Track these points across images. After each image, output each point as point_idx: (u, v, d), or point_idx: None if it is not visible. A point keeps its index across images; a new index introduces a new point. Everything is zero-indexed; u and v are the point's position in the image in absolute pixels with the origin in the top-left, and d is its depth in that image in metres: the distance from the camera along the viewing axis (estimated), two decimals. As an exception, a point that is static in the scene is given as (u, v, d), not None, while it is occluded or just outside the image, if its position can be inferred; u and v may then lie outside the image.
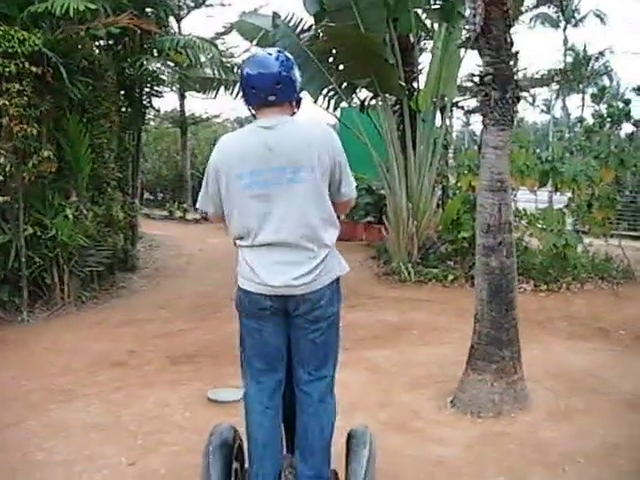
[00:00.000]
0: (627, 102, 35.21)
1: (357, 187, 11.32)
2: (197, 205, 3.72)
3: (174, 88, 17.10)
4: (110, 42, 10.58)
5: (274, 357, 3.62)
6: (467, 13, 5.54)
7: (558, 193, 12.00)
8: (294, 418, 3.69)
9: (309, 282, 3.42)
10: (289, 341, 3.61)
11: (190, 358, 6.93)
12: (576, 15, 40.49)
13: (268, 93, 3.36)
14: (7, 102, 7.95)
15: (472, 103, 19.16)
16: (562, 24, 39.45)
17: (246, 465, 3.72)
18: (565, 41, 38.90)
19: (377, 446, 3.88)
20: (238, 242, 3.62)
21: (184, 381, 6.18)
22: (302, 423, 3.64)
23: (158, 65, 11.66)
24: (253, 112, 3.49)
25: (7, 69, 7.87)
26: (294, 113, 3.55)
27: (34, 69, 8.09)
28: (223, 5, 22.48)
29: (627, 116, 33.59)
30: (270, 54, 3.44)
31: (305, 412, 3.64)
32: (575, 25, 40.49)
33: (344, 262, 3.71)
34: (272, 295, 3.45)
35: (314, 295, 3.45)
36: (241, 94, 3.52)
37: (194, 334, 7.88)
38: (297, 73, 3.45)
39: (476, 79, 5.38)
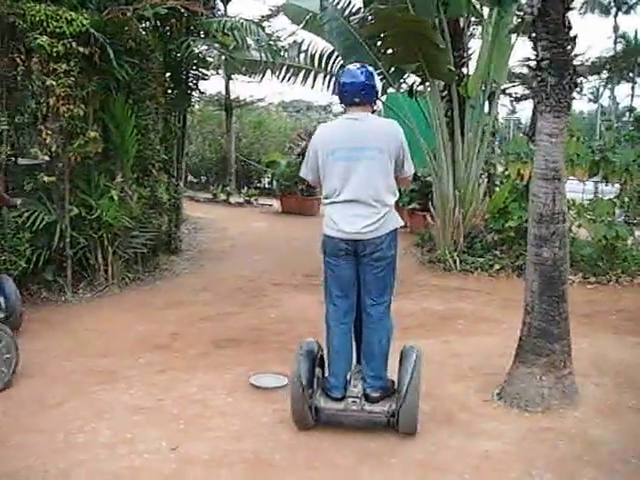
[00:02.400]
0: (679, 92, 34.57)
1: None
2: (300, 174, 5.23)
3: (220, 71, 17.02)
4: (157, 23, 10.53)
5: (347, 286, 4.88)
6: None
7: (605, 184, 11.77)
8: (362, 335, 4.97)
9: (372, 230, 4.71)
10: (358, 276, 4.85)
11: (233, 342, 6.90)
12: (628, 1, 39.75)
13: (355, 96, 4.78)
14: (54, 82, 7.96)
15: (520, 90, 18.91)
16: (613, 11, 38.81)
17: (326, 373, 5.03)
18: (616, 28, 38.28)
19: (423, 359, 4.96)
20: (325, 200, 4.89)
21: (227, 366, 6.16)
22: (366, 336, 4.92)
23: (204, 47, 11.59)
24: (344, 108, 4.95)
25: (55, 49, 7.87)
26: (374, 110, 4.98)
27: (81, 49, 8.09)
28: (269, -13, 22.39)
29: (677, 106, 32.95)
30: (358, 68, 4.85)
31: (368, 328, 4.90)
32: (626, 12, 39.78)
33: (400, 219, 5.00)
34: (346, 239, 4.75)
35: (376, 240, 4.74)
36: (338, 96, 4.96)
37: (237, 318, 7.86)
38: (377, 82, 4.89)
39: (532, 64, 5.24)
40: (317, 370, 4.92)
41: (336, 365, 4.90)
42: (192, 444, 4.63)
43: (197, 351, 6.62)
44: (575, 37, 5.17)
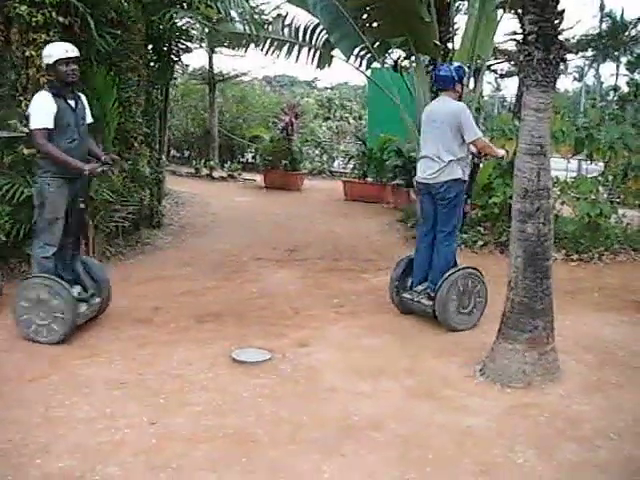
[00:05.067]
0: (663, 71, 34.63)
1: (385, 149, 11.57)
2: None
3: (203, 44, 16.85)
4: (140, -7, 10.39)
5: (427, 216, 6.85)
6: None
7: (589, 162, 11.74)
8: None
9: (434, 177, 6.59)
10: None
11: (215, 317, 6.86)
12: (614, -21, 39.65)
13: (438, 84, 6.85)
14: (34, 53, 7.81)
15: (505, 67, 18.83)
16: (599, -11, 38.70)
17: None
18: (602, 7, 38.16)
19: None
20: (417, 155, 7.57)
21: (208, 340, 6.12)
22: (433, 254, 6.77)
23: (187, 19, 11.45)
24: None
25: (34, 19, 7.71)
26: (458, 91, 6.72)
27: (61, 19, 7.92)
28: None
29: (664, 86, 32.99)
30: (441, 64, 7.44)
31: (435, 248, 6.75)
32: (613, -10, 39.68)
33: (460, 173, 6.57)
34: (421, 182, 6.80)
35: (437, 185, 6.60)
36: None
37: (219, 292, 7.82)
38: (455, 73, 6.62)
39: (519, 38, 5.18)
40: (409, 280, 7.00)
41: (415, 270, 6.93)
42: (172, 419, 4.60)
43: (178, 325, 6.57)
44: (562, 11, 5.12)
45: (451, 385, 5.22)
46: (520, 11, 5.22)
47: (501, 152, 7.14)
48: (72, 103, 6.11)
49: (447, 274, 6.50)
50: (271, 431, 4.44)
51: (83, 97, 6.39)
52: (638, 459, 4.21)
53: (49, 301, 5.86)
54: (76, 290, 6.22)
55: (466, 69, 7.14)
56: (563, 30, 5.20)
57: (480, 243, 10.18)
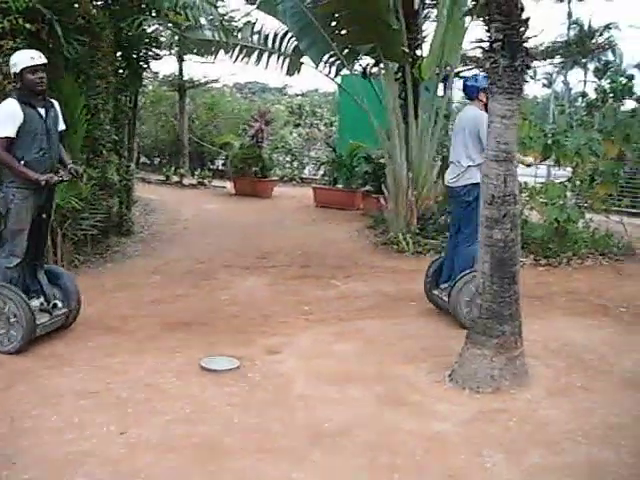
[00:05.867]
0: (630, 77, 34.94)
1: (355, 155, 11.53)
2: None
3: (172, 51, 16.80)
4: (108, 1, 10.34)
5: (453, 218, 7.53)
6: (476, -22, 5.40)
7: (557, 167, 11.85)
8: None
9: (454, 181, 7.09)
10: None
11: (184, 325, 6.83)
12: (581, -12, 40.02)
13: (465, 94, 7.42)
14: (0, 60, 7.76)
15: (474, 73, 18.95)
16: (567, -3, 39.00)
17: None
18: (569, 14, 38.48)
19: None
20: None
21: (178, 349, 6.09)
22: (454, 254, 7.20)
23: (156, 26, 11.42)
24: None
25: (0, 25, 7.66)
26: (482, 101, 6.87)
27: (28, 26, 7.88)
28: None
29: (630, 91, 33.32)
30: (467, 78, 7.39)
31: (455, 249, 7.18)
32: (580, -2, 40.05)
33: (479, 177, 5.96)
34: (446, 185, 7.40)
35: (457, 189, 7.08)
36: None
37: (188, 300, 7.79)
38: (476, 82, 7.06)
39: (485, 45, 5.22)
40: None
41: (443, 269, 7.34)
42: (141, 428, 4.56)
43: (147, 334, 6.53)
44: (527, 19, 5.17)
45: (420, 391, 5.23)
46: (486, 17, 5.25)
47: (528, 159, 7.61)
48: (42, 111, 6.04)
49: (463, 273, 6.76)
50: (240, 439, 4.42)
51: (56, 104, 6.33)
52: (605, 462, 4.24)
53: (5, 310, 5.82)
54: (38, 300, 6.21)
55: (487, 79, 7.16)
56: (529, 38, 5.23)
57: (449, 249, 10.22)
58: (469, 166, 6.92)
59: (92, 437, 4.42)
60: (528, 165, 7.80)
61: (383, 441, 4.45)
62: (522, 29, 5.14)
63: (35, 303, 6.14)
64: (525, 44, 5.19)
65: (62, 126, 6.41)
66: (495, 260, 5.21)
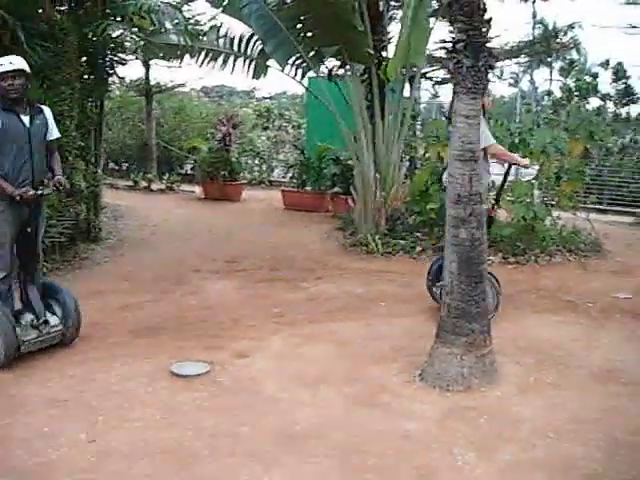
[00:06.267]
0: (595, 76, 35.40)
1: (323, 157, 11.40)
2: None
3: (138, 56, 16.71)
4: (72, 6, 10.27)
5: None
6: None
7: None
8: None
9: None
10: None
11: (154, 331, 6.78)
12: (545, -13, 40.30)
13: None
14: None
15: (441, 74, 19.01)
16: (531, -3, 39.31)
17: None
18: (534, 14, 38.77)
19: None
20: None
21: (147, 354, 6.05)
22: None
23: (121, 30, 11.35)
24: None
25: (-39, 31, 7.60)
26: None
27: (-11, 31, 7.82)
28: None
29: (594, 90, 33.74)
30: None
31: None
32: (545, -2, 40.36)
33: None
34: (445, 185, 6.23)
35: None
36: None
37: (158, 306, 7.74)
38: None
39: (448, 46, 5.26)
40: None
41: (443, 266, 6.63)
42: (112, 436, 4.53)
43: (117, 341, 6.48)
44: (490, 20, 5.22)
45: (390, 391, 5.25)
46: (449, 18, 5.28)
47: (523, 161, 7.57)
48: (25, 118, 5.79)
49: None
50: (211, 444, 4.41)
51: (47, 111, 6.08)
52: (575, 456, 4.29)
53: None
54: (30, 316, 5.96)
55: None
56: (491, 38, 5.28)
57: (418, 249, 10.27)
58: None
59: (62, 446, 4.38)
60: (525, 167, 7.95)
61: (354, 442, 4.46)
62: (485, 29, 5.20)
63: (27, 319, 5.93)
64: (488, 44, 5.24)
65: (54, 134, 6.14)
66: (462, 259, 5.25)
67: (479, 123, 5.27)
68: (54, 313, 6.15)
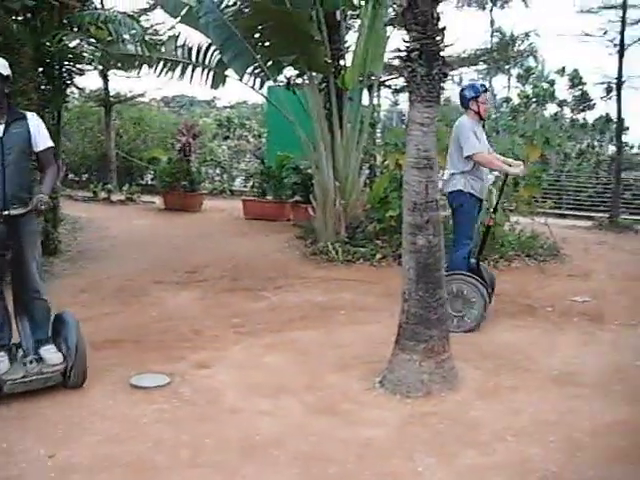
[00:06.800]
0: (552, 83, 35.90)
1: (284, 166, 11.33)
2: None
3: (96, 66, 16.58)
4: (27, 16, 10.17)
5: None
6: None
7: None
8: None
9: (444, 186, 7.18)
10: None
11: (113, 343, 6.72)
12: (502, -4, 40.77)
13: (461, 104, 7.44)
14: None
15: (400, 82, 19.16)
16: (489, 5, 39.68)
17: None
18: (492, 22, 39.19)
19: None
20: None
21: (107, 367, 5.98)
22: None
23: (78, 41, 11.27)
24: None
25: None
26: (473, 110, 7.25)
27: (-57, 44, 7.72)
28: (147, -20, 21.67)
29: (552, 96, 34.20)
30: (463, 87, 7.63)
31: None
32: (501, 7, 40.74)
33: (461, 185, 7.14)
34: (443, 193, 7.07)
35: (446, 195, 7.28)
36: None
37: (118, 318, 7.68)
38: (466, 93, 7.30)
39: (403, 55, 5.30)
40: None
41: None
42: (71, 450, 4.48)
43: (76, 354, 6.42)
44: (444, 29, 5.28)
45: (351, 399, 5.26)
46: (404, 27, 5.33)
47: (511, 169, 7.44)
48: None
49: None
50: (171, 456, 4.38)
51: (31, 119, 5.42)
52: (533, 458, 4.34)
53: None
54: (20, 353, 5.47)
55: (479, 87, 7.43)
56: (445, 46, 5.34)
57: (379, 256, 10.31)
58: (453, 173, 7.20)
59: (21, 462, 4.31)
60: (516, 175, 7.95)
61: (315, 451, 4.46)
62: (439, 38, 5.25)
63: (19, 355, 5.45)
64: (442, 53, 5.29)
65: (43, 144, 5.41)
66: (420, 266, 5.28)
67: (434, 131, 5.31)
68: (60, 350, 5.50)
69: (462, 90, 7.46)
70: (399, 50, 5.51)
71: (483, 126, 7.63)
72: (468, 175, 7.17)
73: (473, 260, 7.45)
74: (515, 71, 38.91)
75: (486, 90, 7.54)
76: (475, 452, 4.42)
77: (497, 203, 7.71)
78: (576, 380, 5.69)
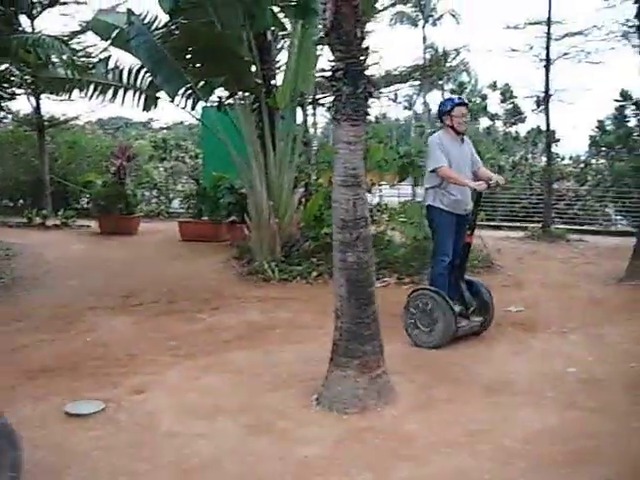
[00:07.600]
0: (484, 97, 36.57)
1: (219, 187, 11.30)
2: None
3: (27, 90, 16.40)
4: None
5: None
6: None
7: (417, 186, 12.24)
8: None
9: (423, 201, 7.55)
10: None
11: (47, 372, 6.61)
12: (434, 14, 41.36)
13: (439, 118, 7.54)
14: None
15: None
16: (421, 23, 40.26)
17: None
18: (424, 39, 39.78)
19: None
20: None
21: (40, 396, 5.89)
22: None
23: (6, 65, 11.15)
24: None
25: None
26: (447, 124, 7.20)
27: None
28: (78, 3, 21.44)
29: (484, 110, 34.82)
30: (440, 102, 7.62)
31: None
32: (433, 24, 41.40)
33: (430, 200, 7.23)
34: None
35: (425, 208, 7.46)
36: None
37: (52, 346, 7.56)
38: (441, 108, 7.28)
39: (328, 74, 5.37)
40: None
41: None
42: (2, 483, 4.42)
43: (8, 383, 6.26)
44: (367, 48, 5.36)
45: (288, 417, 5.27)
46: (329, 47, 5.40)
47: (472, 184, 7.00)
48: None
49: (411, 291, 7.37)
50: (106, 484, 4.35)
51: None
52: (467, 468, 4.41)
53: None
54: None
55: (454, 101, 7.41)
56: (369, 65, 5.42)
57: (315, 274, 10.36)
58: (426, 188, 7.36)
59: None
60: (478, 189, 7.02)
61: (252, 470, 4.46)
62: (362, 58, 5.32)
63: None
64: (367, 72, 5.37)
65: None
66: (350, 283, 5.34)
67: (361, 150, 5.38)
68: None
69: (439, 105, 7.49)
70: (324, 70, 5.56)
71: (469, 139, 7.55)
72: (438, 190, 7.13)
73: (452, 277, 7.21)
74: (449, 86, 39.53)
75: (463, 104, 7.39)
76: (410, 465, 4.48)
77: (474, 219, 7.18)
78: (509, 389, 5.80)
